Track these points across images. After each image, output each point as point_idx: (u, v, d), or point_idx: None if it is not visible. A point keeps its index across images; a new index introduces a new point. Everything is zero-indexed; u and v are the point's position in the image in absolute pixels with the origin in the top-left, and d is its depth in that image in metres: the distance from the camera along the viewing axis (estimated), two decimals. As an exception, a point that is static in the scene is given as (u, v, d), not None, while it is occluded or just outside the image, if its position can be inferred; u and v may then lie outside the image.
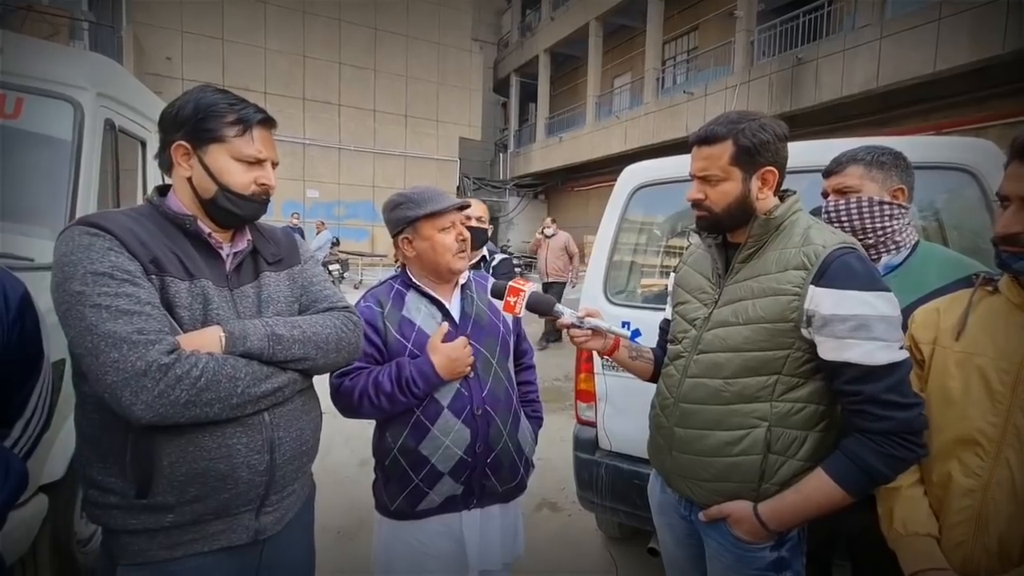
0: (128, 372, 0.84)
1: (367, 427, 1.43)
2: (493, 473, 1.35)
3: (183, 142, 1.00)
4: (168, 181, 1.08)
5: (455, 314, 1.38)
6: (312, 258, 1.23)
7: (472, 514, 1.35)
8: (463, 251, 1.35)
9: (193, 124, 0.99)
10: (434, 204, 1.32)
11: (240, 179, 1.02)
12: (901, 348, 0.99)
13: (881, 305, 0.98)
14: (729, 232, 1.15)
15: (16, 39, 2.34)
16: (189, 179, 1.02)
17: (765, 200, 1.10)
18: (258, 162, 1.04)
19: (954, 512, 0.95)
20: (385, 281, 1.45)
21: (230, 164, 1.01)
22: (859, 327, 0.97)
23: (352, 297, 1.29)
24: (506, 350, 1.42)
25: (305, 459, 1.12)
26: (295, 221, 12.28)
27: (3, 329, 0.92)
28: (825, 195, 1.41)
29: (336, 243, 12.80)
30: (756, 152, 1.06)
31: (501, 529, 1.40)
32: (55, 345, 1.13)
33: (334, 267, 12.09)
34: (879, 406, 0.97)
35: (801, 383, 1.06)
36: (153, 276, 0.93)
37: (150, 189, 1.10)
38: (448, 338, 1.32)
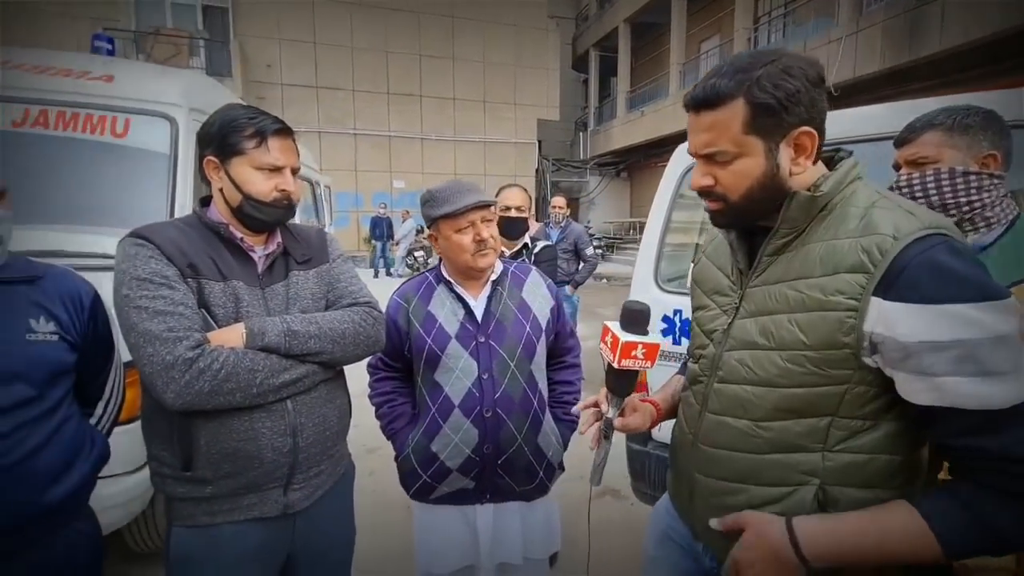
0: (159, 365, 0.96)
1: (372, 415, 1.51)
2: (507, 473, 1.35)
3: (212, 157, 1.12)
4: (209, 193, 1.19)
5: (479, 312, 1.38)
6: (341, 256, 1.31)
7: (486, 508, 1.37)
8: (482, 251, 1.33)
9: (219, 140, 1.10)
10: (449, 205, 1.32)
11: (261, 187, 1.11)
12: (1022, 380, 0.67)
13: (992, 320, 0.66)
14: (758, 220, 0.85)
15: (125, 66, 2.68)
16: (221, 190, 1.13)
17: (803, 175, 0.79)
18: (277, 169, 1.13)
19: None
20: (423, 273, 1.49)
21: (251, 174, 1.11)
22: (964, 359, 0.66)
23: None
24: (530, 351, 1.38)
25: (329, 443, 1.21)
26: (383, 211, 12.99)
27: (81, 324, 1.09)
28: (897, 168, 1.23)
29: (420, 230, 13.36)
30: (782, 109, 0.75)
31: (524, 526, 1.40)
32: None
33: (419, 253, 12.65)
34: (1015, 463, 0.67)
35: (868, 427, 0.76)
36: (190, 279, 1.05)
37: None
38: (465, 336, 1.34)
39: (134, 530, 2.11)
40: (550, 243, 2.89)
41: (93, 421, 1.17)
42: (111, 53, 3.24)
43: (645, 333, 0.91)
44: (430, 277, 1.45)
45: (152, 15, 12.34)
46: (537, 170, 17.43)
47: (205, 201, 1.19)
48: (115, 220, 2.16)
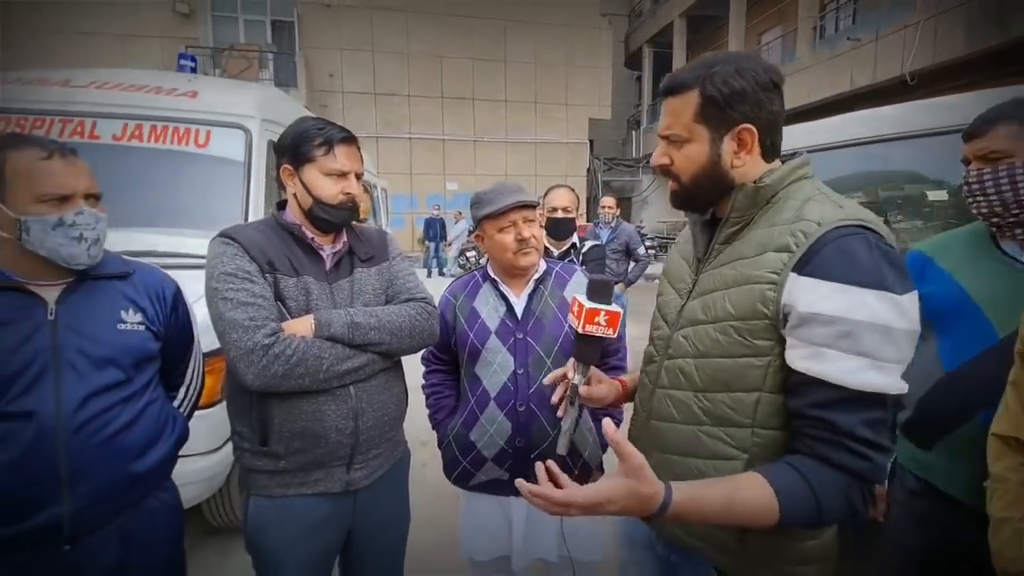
0: (242, 350, 1.09)
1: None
2: None
3: (287, 165, 1.24)
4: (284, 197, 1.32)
5: (519, 309, 1.43)
6: (400, 255, 1.40)
7: (520, 500, 1.40)
8: (523, 250, 1.38)
9: (292, 150, 1.22)
10: (491, 205, 1.38)
11: (329, 191, 1.22)
12: (897, 374, 0.74)
13: (883, 309, 0.71)
14: (709, 208, 0.92)
15: (206, 82, 2.94)
16: (295, 195, 1.25)
17: (743, 168, 0.85)
18: (343, 175, 1.23)
19: None
20: (472, 272, 1.57)
21: (320, 179, 1.21)
22: (844, 335, 0.72)
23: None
24: (567, 350, 1.40)
25: (387, 427, 1.31)
26: (436, 212, 13.32)
27: (164, 316, 1.22)
28: (967, 162, 1.18)
29: (472, 231, 13.59)
30: (727, 104, 0.82)
31: (563, 524, 1.43)
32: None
33: (471, 253, 12.87)
34: (857, 442, 0.73)
35: None
36: (268, 275, 1.17)
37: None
38: (504, 332, 1.40)
39: (212, 505, 2.31)
40: (599, 243, 2.90)
41: (175, 404, 1.30)
42: (194, 71, 3.55)
43: (609, 303, 0.97)
44: (478, 275, 1.52)
45: (227, 31, 13.27)
46: (589, 170, 17.30)
47: (281, 205, 1.32)
48: (199, 223, 2.38)
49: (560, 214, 2.46)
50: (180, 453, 1.28)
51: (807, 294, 0.74)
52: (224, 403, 2.08)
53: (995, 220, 1.12)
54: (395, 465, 1.38)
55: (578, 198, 2.63)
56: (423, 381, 1.58)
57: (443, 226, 13.29)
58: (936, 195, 2.84)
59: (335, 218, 1.24)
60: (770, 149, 0.87)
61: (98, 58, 11.89)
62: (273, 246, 1.20)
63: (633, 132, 19.09)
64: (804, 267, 0.76)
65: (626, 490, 0.73)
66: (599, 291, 0.98)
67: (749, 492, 0.75)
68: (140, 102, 2.50)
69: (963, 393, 1.13)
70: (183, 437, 1.26)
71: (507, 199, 1.37)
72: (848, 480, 0.75)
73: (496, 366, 1.40)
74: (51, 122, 2.36)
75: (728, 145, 0.84)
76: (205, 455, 2.05)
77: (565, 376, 1.05)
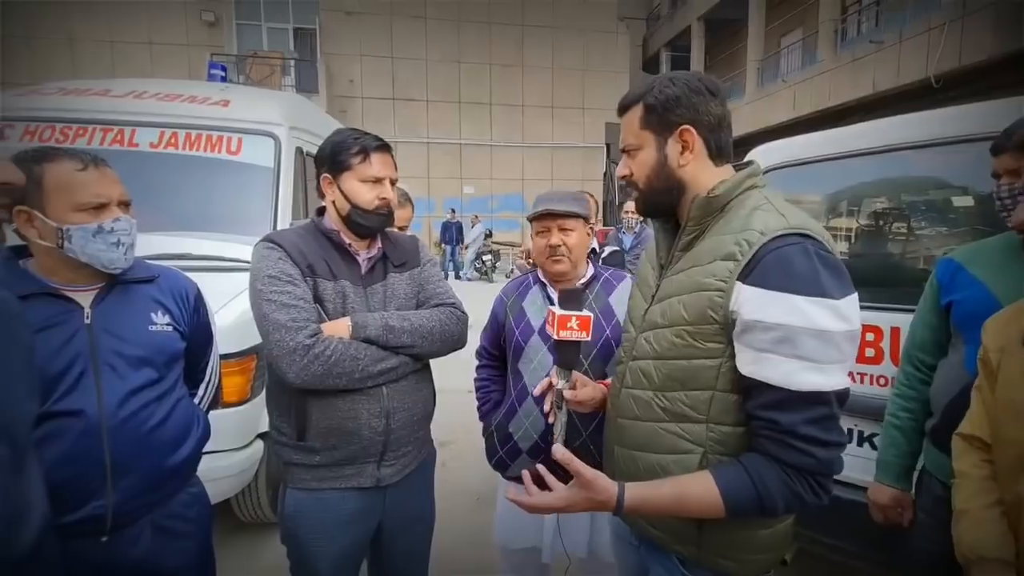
0: (284, 349, 1.14)
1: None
2: None
3: (327, 174, 1.30)
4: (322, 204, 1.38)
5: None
6: (430, 261, 1.46)
7: None
8: (553, 256, 1.44)
9: (331, 159, 1.28)
10: (534, 208, 1.46)
11: (365, 197, 1.27)
12: (838, 373, 0.79)
13: (818, 315, 0.77)
14: (668, 213, 0.98)
15: (237, 91, 3.04)
16: (333, 202, 1.30)
17: (688, 167, 0.91)
18: (378, 180, 1.28)
19: None
20: (526, 275, 1.64)
21: (357, 186, 1.27)
22: (782, 340, 0.78)
23: (493, 288, 1.51)
24: (605, 354, 1.44)
25: (416, 427, 1.36)
26: (453, 216, 13.43)
27: (188, 316, 1.28)
28: (997, 176, 1.18)
29: (489, 235, 13.68)
30: (665, 109, 0.90)
31: (593, 522, 1.48)
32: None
33: (487, 257, 12.96)
34: (799, 439, 0.79)
35: (742, 401, 0.86)
36: (308, 278, 1.23)
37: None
38: (546, 333, 1.43)
39: (241, 501, 2.39)
40: (618, 248, 2.93)
41: (196, 400, 1.36)
42: (224, 79, 3.66)
43: (580, 309, 1.04)
44: (529, 278, 1.59)
45: (251, 39, 13.59)
46: (605, 174, 17.27)
47: (320, 212, 1.38)
48: (231, 227, 2.47)
49: None
50: (211, 449, 1.34)
51: (749, 302, 0.80)
52: (253, 401, 2.18)
53: None
54: (422, 463, 1.43)
55: (597, 204, 2.67)
56: (474, 375, 1.68)
57: (460, 230, 13.39)
58: (961, 201, 2.80)
59: (371, 223, 1.29)
60: (716, 151, 0.93)
61: (126, 65, 12.28)
62: (313, 251, 1.26)
63: (650, 136, 18.99)
64: (747, 276, 0.81)
65: (582, 498, 0.86)
66: (571, 299, 1.06)
67: (696, 491, 0.84)
68: (176, 111, 2.60)
69: None
70: (206, 435, 1.31)
71: (544, 205, 1.44)
72: (793, 474, 0.81)
73: (536, 363, 1.46)
74: (93, 131, 2.47)
75: (672, 147, 0.91)
76: (235, 451, 2.12)
77: (551, 384, 1.10)
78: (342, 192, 1.27)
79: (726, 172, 0.93)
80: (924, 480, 1.32)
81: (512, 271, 12.40)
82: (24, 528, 0.63)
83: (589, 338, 1.02)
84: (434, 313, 1.33)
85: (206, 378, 1.40)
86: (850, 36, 11.92)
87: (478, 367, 1.68)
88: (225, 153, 2.58)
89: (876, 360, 1.67)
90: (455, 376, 2.67)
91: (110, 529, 1.10)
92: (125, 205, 1.16)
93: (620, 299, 1.49)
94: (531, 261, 3.31)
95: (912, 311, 1.43)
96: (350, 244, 1.31)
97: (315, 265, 1.24)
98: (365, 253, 1.34)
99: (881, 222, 2.04)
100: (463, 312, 1.40)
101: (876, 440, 1.69)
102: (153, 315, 1.20)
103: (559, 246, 1.43)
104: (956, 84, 8.30)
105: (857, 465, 1.69)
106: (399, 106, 15.03)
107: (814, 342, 0.77)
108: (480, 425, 1.63)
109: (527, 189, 15.86)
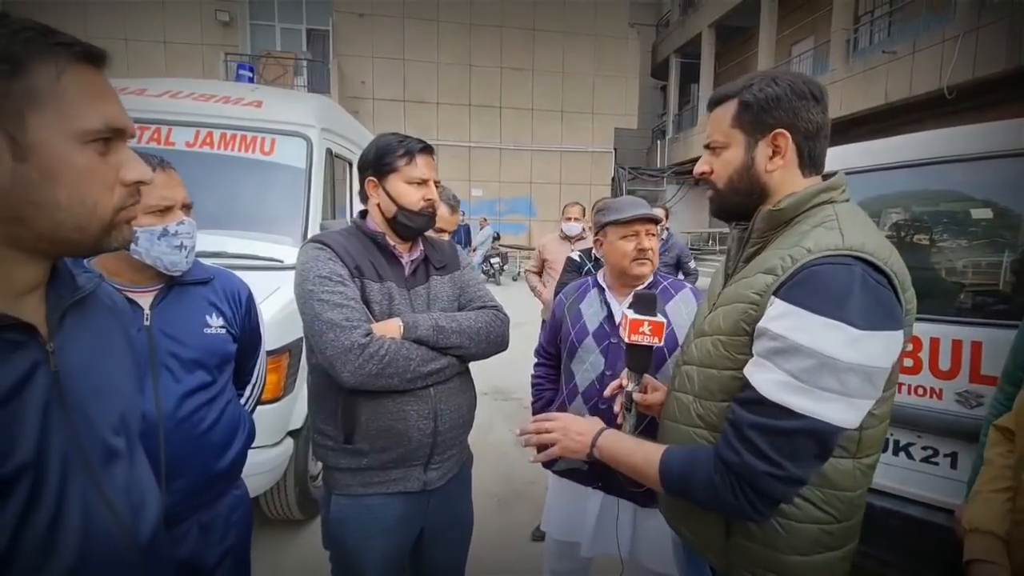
0: (339, 348, 1.14)
1: (524, 409, 1.70)
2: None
3: (372, 177, 1.31)
4: (364, 207, 1.40)
5: (618, 316, 1.49)
6: (469, 264, 1.48)
7: (597, 494, 1.50)
8: (640, 259, 1.48)
9: (376, 162, 1.30)
10: (619, 213, 1.49)
11: (411, 198, 1.29)
12: (831, 405, 0.73)
13: (827, 339, 0.72)
14: (744, 217, 0.94)
15: (270, 92, 3.07)
16: (378, 205, 1.32)
17: (776, 173, 0.87)
18: (423, 182, 1.30)
19: (1019, 510, 0.90)
20: (585, 278, 1.68)
21: (403, 188, 1.29)
22: (780, 352, 0.75)
23: (500, 291, 1.55)
24: (658, 363, 1.45)
25: (461, 429, 1.37)
26: (462, 218, 13.44)
27: (240, 318, 1.29)
28: None
29: (497, 238, 13.70)
30: (762, 109, 0.85)
31: (635, 529, 1.49)
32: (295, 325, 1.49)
33: (495, 260, 12.97)
34: (738, 437, 0.78)
35: None
36: (356, 279, 1.24)
37: (356, 200, 1.44)
38: (600, 335, 1.48)
39: (270, 498, 2.41)
40: None
41: (243, 401, 1.37)
42: (251, 80, 3.71)
43: (653, 315, 1.06)
44: (589, 281, 1.64)
45: (265, 39, 13.67)
46: (613, 179, 17.28)
47: (362, 215, 1.39)
48: (263, 226, 2.50)
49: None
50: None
51: (771, 311, 0.78)
52: (286, 399, 2.20)
53: None
54: (462, 468, 1.44)
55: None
56: (533, 371, 1.74)
57: (468, 232, 13.40)
58: (981, 213, 2.81)
59: (417, 223, 1.31)
60: (808, 161, 0.88)
61: (141, 64, 12.35)
62: (359, 253, 1.27)
63: (658, 142, 19.04)
64: (781, 288, 0.79)
65: (573, 425, 0.99)
66: (643, 304, 1.07)
67: (646, 451, 0.91)
68: (211, 111, 2.64)
69: None
70: (252, 436, 1.32)
71: (636, 210, 1.49)
72: (719, 468, 0.80)
73: (588, 364, 1.50)
74: (134, 128, 2.50)
75: (763, 150, 0.87)
76: (268, 448, 2.15)
77: (621, 385, 1.12)
78: (388, 194, 1.29)
79: (810, 181, 0.89)
80: None
81: (519, 273, 12.43)
82: (144, 514, 0.65)
83: (662, 343, 1.05)
84: (480, 315, 1.35)
85: (253, 379, 1.42)
86: (862, 46, 11.92)
87: (536, 365, 1.74)
88: (259, 153, 2.61)
89: (915, 371, 1.69)
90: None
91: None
92: (187, 208, 1.18)
93: (676, 309, 1.50)
94: (537, 271, 3.50)
95: (947, 321, 1.44)
96: (395, 246, 1.32)
97: (362, 266, 1.25)
98: (408, 256, 1.35)
99: (920, 233, 2.06)
100: (505, 314, 1.42)
101: (912, 450, 1.71)
102: (208, 317, 1.21)
103: (648, 249, 1.47)
104: (969, 96, 8.29)
105: (895, 475, 1.70)
106: (410, 108, 15.08)
107: (812, 364, 0.73)
108: (497, 427, 1.66)
109: (535, 192, 15.89)
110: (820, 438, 0.76)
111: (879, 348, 0.74)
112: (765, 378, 0.77)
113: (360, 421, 1.23)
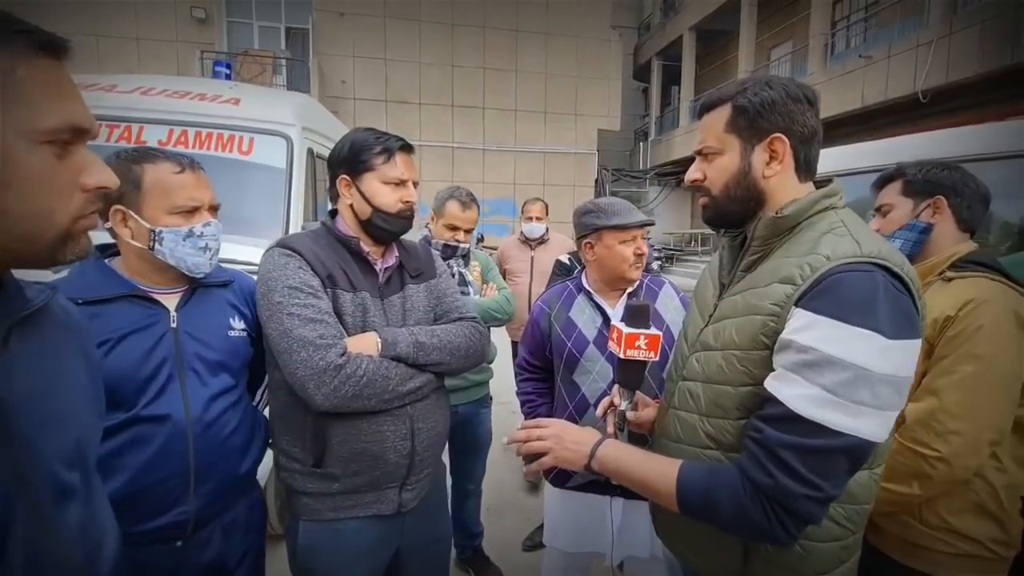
0: (313, 369, 1.05)
1: (512, 415, 1.64)
2: None
3: (345, 175, 1.22)
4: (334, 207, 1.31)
5: (617, 320, 1.46)
6: (446, 272, 1.39)
7: (617, 501, 1.45)
8: (637, 264, 1.45)
9: (350, 159, 1.21)
10: (620, 218, 1.45)
11: (388, 199, 1.21)
12: (865, 419, 0.69)
13: (859, 349, 0.69)
14: (739, 225, 0.91)
15: (248, 90, 2.96)
16: (351, 205, 1.23)
17: (775, 179, 0.85)
18: (402, 183, 1.22)
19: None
20: (563, 282, 1.62)
21: (380, 188, 1.20)
22: (810, 365, 0.71)
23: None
24: (661, 360, 1.42)
25: (438, 447, 1.30)
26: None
27: (257, 321, 1.21)
28: None
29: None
30: (757, 114, 0.83)
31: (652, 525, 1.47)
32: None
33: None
34: (770, 457, 0.73)
35: None
36: (328, 289, 1.15)
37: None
38: (602, 342, 1.43)
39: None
40: None
41: (255, 403, 1.32)
42: (228, 77, 3.58)
43: (648, 327, 0.98)
44: (571, 286, 1.57)
45: (242, 37, 13.38)
46: (596, 180, 17.35)
47: (332, 215, 1.29)
48: (242, 228, 2.39)
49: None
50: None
51: (795, 322, 0.75)
52: (265, 409, 2.10)
53: None
54: (436, 484, 1.37)
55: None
56: (516, 387, 1.66)
57: (452, 233, 13.29)
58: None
59: (393, 227, 1.23)
60: (804, 166, 0.87)
61: (113, 61, 11.98)
62: (331, 259, 1.18)
63: (640, 143, 19.20)
64: (804, 298, 0.75)
65: (561, 423, 0.94)
66: (637, 315, 1.00)
67: (659, 467, 0.83)
68: (185, 108, 2.52)
69: None
70: (268, 439, 1.27)
71: (636, 216, 1.45)
72: (749, 488, 0.74)
73: (595, 374, 1.44)
74: (99, 127, 2.37)
75: (759, 156, 0.85)
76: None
77: (612, 404, 1.07)
78: (362, 194, 1.20)
79: (808, 189, 0.88)
80: None
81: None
82: (102, 555, 0.57)
83: (657, 358, 0.99)
84: (459, 328, 1.27)
85: (264, 381, 1.34)
86: (839, 50, 12.16)
87: (520, 380, 1.65)
88: (236, 153, 2.50)
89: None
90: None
91: (189, 534, 1.09)
92: (214, 210, 1.15)
93: (663, 303, 1.49)
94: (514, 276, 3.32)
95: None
96: (368, 252, 1.23)
97: (334, 275, 1.16)
98: (383, 262, 1.26)
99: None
100: (484, 327, 1.35)
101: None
102: (231, 320, 1.18)
103: (644, 254, 1.44)
104: (943, 100, 8.50)
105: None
106: (392, 108, 14.92)
107: (846, 376, 0.69)
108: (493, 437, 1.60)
109: (519, 194, 15.84)
110: (854, 454, 0.72)
111: (906, 357, 0.72)
112: (795, 393, 0.72)
113: (332, 444, 1.14)
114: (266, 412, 1.30)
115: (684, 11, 16.39)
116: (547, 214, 3.26)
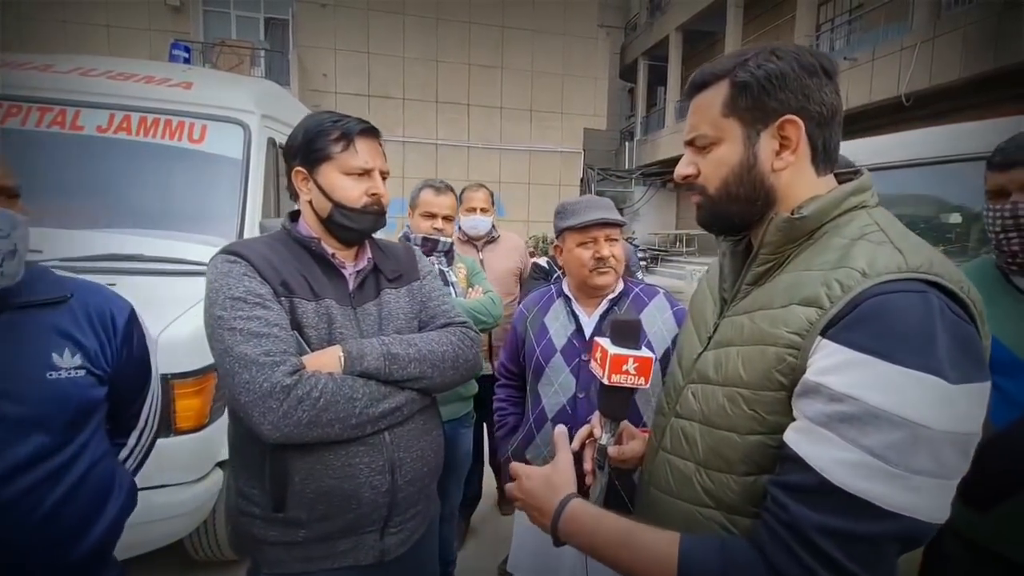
0: (256, 393, 0.87)
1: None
2: None
3: (300, 167, 1.04)
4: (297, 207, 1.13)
5: (588, 330, 1.34)
6: (431, 273, 1.22)
7: None
8: (600, 269, 1.30)
9: (304, 148, 1.03)
10: (575, 218, 1.30)
11: (351, 193, 1.03)
12: (923, 494, 0.52)
13: (915, 398, 0.52)
14: (742, 230, 0.74)
15: (202, 74, 2.73)
16: (310, 202, 1.05)
17: (786, 171, 0.68)
18: (366, 172, 1.04)
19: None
20: (548, 285, 1.51)
21: (340, 179, 1.02)
22: (848, 419, 0.54)
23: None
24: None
25: (427, 480, 1.11)
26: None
27: (113, 351, 0.97)
28: (1002, 194, 1.06)
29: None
30: (763, 91, 0.65)
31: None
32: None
33: (462, 261, 12.72)
34: (801, 544, 0.55)
35: None
36: (283, 298, 0.97)
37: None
38: (570, 352, 1.30)
39: (195, 538, 2.10)
40: None
41: (124, 454, 1.07)
42: (187, 61, 3.34)
43: (637, 347, 0.82)
44: (553, 290, 1.46)
45: (219, 27, 12.96)
46: (582, 179, 17.25)
47: (294, 216, 1.12)
48: (192, 225, 2.18)
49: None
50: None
51: (822, 359, 0.57)
52: (212, 426, 1.89)
53: None
54: (430, 527, 1.18)
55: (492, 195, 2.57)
56: (494, 393, 1.56)
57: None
58: (950, 219, 2.76)
59: (359, 224, 1.05)
60: (822, 155, 0.69)
61: (82, 49, 11.50)
62: (287, 264, 1.00)
63: (626, 143, 19.16)
64: (834, 327, 0.58)
65: (543, 474, 0.76)
66: (625, 333, 0.82)
67: (652, 538, 0.64)
68: (129, 92, 2.29)
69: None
70: (131, 501, 1.01)
71: (592, 214, 1.29)
72: None
73: (557, 386, 1.32)
74: (28, 110, 2.14)
75: (767, 144, 0.67)
76: (190, 484, 1.83)
77: (591, 435, 0.88)
78: (320, 188, 1.02)
79: (828, 184, 0.70)
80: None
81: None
82: None
83: (648, 386, 0.81)
84: (444, 336, 1.08)
85: (140, 424, 1.09)
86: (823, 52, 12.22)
87: (498, 385, 1.55)
88: (186, 141, 2.28)
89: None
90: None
91: None
92: (5, 195, 0.84)
93: (650, 316, 1.33)
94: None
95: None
96: (334, 254, 1.06)
97: (291, 282, 0.98)
98: (352, 266, 1.09)
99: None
100: (476, 333, 1.16)
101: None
102: (56, 356, 0.88)
103: (608, 257, 1.29)
104: (926, 103, 8.55)
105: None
106: (375, 103, 14.62)
107: (896, 436, 0.51)
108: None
109: (504, 192, 15.66)
110: (910, 539, 0.55)
111: (973, 407, 0.54)
112: (831, 457, 0.54)
113: (293, 482, 0.95)
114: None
115: (670, 11, 16.38)
116: (493, 205, 2.58)
